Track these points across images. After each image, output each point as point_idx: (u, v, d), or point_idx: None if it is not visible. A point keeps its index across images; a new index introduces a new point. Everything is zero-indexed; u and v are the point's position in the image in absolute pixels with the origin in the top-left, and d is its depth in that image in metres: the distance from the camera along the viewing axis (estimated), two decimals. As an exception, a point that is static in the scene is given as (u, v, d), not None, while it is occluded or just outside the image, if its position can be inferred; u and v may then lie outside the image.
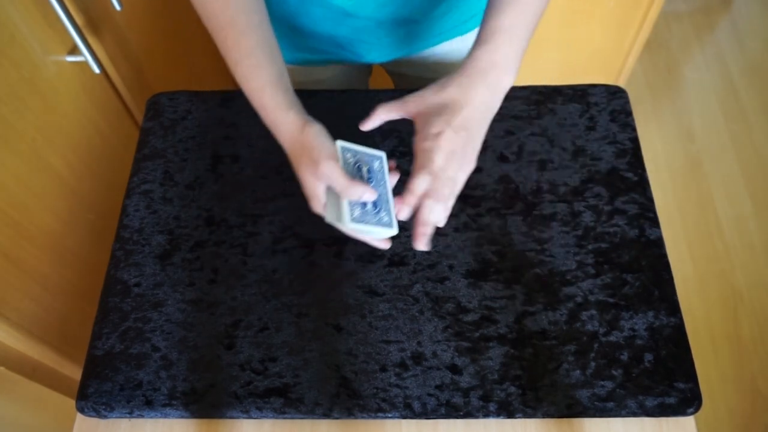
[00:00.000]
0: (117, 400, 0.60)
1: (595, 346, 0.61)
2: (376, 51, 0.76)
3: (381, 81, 1.13)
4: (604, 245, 0.67)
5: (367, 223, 0.56)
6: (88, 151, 0.90)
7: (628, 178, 0.71)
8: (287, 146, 0.59)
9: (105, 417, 0.62)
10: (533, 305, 0.63)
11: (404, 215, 0.56)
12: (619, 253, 0.66)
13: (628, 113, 0.75)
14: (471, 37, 0.79)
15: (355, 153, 0.59)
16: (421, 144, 0.56)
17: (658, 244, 0.67)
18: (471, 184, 0.70)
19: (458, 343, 0.62)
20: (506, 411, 0.59)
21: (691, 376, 0.60)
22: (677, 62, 1.89)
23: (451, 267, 0.66)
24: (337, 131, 0.74)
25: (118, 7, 0.86)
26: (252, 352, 0.62)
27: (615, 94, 0.77)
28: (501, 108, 0.75)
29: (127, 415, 0.61)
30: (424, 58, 0.82)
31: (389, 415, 0.59)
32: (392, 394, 0.60)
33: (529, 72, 1.24)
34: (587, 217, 0.68)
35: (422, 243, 0.55)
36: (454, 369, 0.60)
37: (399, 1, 0.68)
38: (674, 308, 0.63)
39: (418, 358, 0.61)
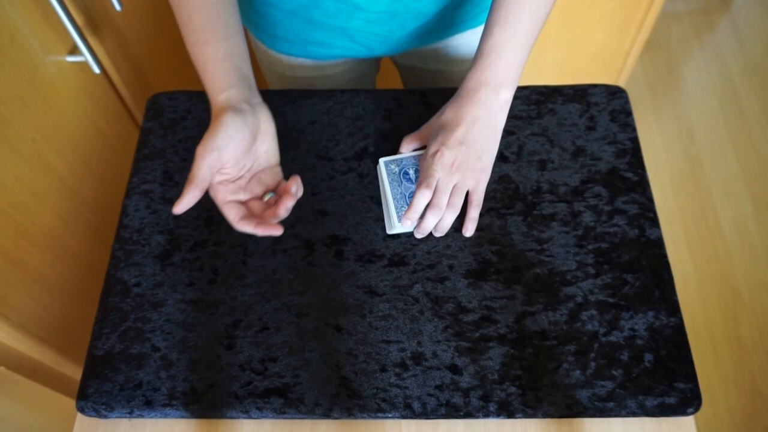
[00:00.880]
0: (117, 400, 0.60)
1: (595, 346, 0.61)
2: (389, 44, 0.76)
3: (389, 78, 1.14)
4: (604, 245, 0.67)
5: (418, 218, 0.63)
6: (88, 151, 0.90)
7: (628, 178, 0.71)
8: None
9: (105, 417, 0.62)
10: (533, 305, 0.63)
11: (407, 227, 0.63)
12: (619, 253, 0.66)
13: (628, 113, 0.75)
14: (482, 30, 0.80)
15: (399, 161, 0.67)
16: (422, 164, 0.63)
17: (658, 244, 0.67)
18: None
19: (458, 343, 0.62)
20: (506, 411, 0.59)
21: (691, 376, 0.60)
22: (677, 62, 1.89)
23: (451, 267, 0.66)
24: (336, 131, 0.75)
25: (118, 8, 0.86)
26: (252, 352, 0.62)
27: (615, 94, 0.77)
28: (501, 108, 0.76)
29: (127, 415, 0.61)
30: (435, 50, 0.82)
31: (389, 415, 0.59)
32: (392, 394, 0.60)
33: (529, 72, 1.25)
34: (587, 217, 0.68)
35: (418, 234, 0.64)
36: (454, 369, 0.60)
37: None
38: (674, 308, 0.63)
39: (418, 358, 0.61)
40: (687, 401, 0.59)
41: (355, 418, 0.60)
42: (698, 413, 0.60)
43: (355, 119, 0.75)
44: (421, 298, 0.64)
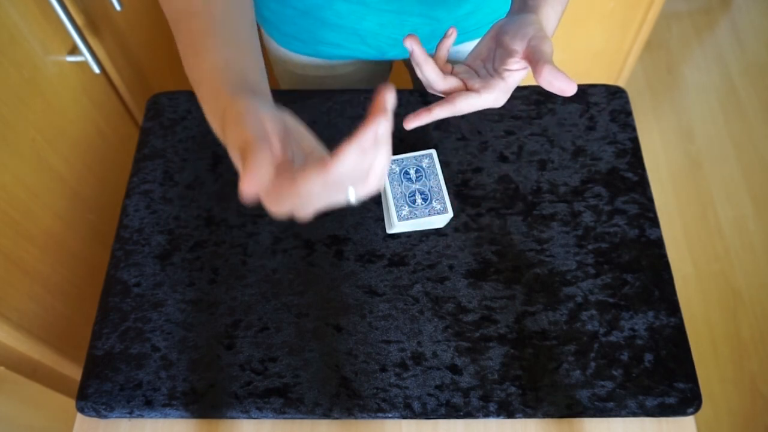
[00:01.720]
0: (117, 400, 0.60)
1: (595, 346, 0.61)
2: (400, 47, 0.76)
3: (401, 79, 1.13)
4: (604, 245, 0.67)
5: (418, 217, 0.64)
6: (88, 151, 0.90)
7: (628, 178, 0.71)
8: (222, 132, 0.42)
9: (105, 417, 0.62)
10: (533, 305, 0.63)
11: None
12: (619, 253, 0.66)
13: (628, 113, 0.75)
14: None
15: (400, 161, 0.67)
16: (529, 46, 0.51)
17: (658, 244, 0.67)
18: (471, 184, 0.70)
19: (458, 343, 0.62)
20: (506, 411, 0.59)
21: (691, 376, 0.60)
22: (677, 62, 1.89)
23: (451, 267, 0.66)
24: (336, 131, 0.75)
25: (118, 7, 0.86)
26: (252, 352, 0.62)
27: (615, 94, 0.77)
28: (501, 108, 0.76)
29: (127, 415, 0.61)
30: (449, 53, 0.82)
31: (389, 415, 0.59)
32: (392, 394, 0.60)
33: (529, 72, 1.24)
34: (587, 217, 0.68)
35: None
36: (454, 369, 0.60)
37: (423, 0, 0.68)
38: (674, 308, 0.63)
39: (418, 358, 0.61)
40: (687, 401, 0.59)
41: (355, 418, 0.60)
42: (698, 413, 0.60)
43: (355, 119, 0.75)
44: (421, 298, 0.64)
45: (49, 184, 0.81)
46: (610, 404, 0.59)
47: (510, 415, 0.59)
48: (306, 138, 0.42)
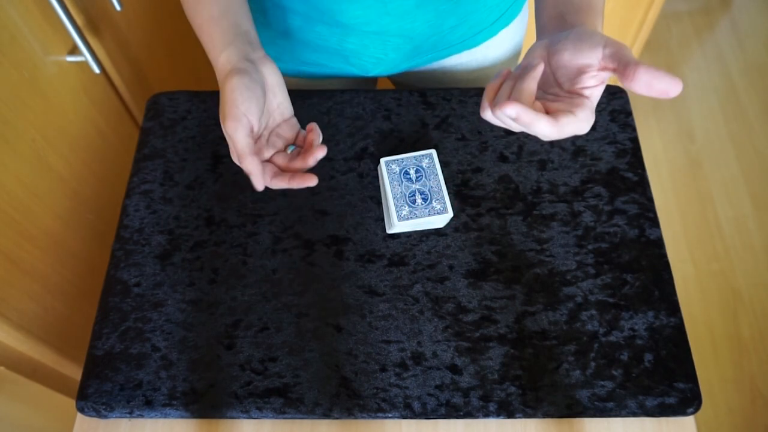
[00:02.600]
0: (117, 400, 0.60)
1: (595, 346, 0.61)
2: (383, 65, 0.75)
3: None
4: (604, 245, 0.67)
5: (418, 217, 0.64)
6: (88, 151, 0.90)
7: (628, 178, 0.71)
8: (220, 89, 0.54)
9: (105, 417, 0.62)
10: (533, 305, 0.63)
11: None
12: (619, 253, 0.66)
13: (628, 113, 0.75)
14: (480, 50, 0.79)
15: (400, 161, 0.67)
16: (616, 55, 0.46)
17: (658, 244, 0.67)
18: (471, 184, 0.70)
19: (458, 343, 0.62)
20: (506, 411, 0.59)
21: (691, 376, 0.60)
22: (677, 62, 1.89)
23: (451, 267, 0.66)
24: (336, 131, 0.75)
25: (118, 7, 0.86)
26: (252, 352, 0.62)
27: (615, 94, 0.77)
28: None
29: (127, 415, 0.61)
30: (432, 70, 0.82)
31: (389, 415, 0.59)
32: (392, 394, 0.60)
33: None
34: (587, 217, 0.68)
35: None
36: (454, 369, 0.60)
37: (407, 16, 0.67)
38: (674, 308, 0.63)
39: (418, 358, 0.61)
40: (687, 401, 0.59)
41: (355, 418, 0.60)
42: (698, 413, 0.60)
43: (355, 119, 0.75)
44: (421, 298, 0.64)
45: (49, 184, 0.81)
46: (610, 404, 0.59)
47: (510, 415, 0.59)
48: (282, 113, 0.59)
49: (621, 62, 0.45)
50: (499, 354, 0.61)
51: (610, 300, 0.64)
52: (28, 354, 0.80)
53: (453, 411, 0.59)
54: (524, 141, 0.73)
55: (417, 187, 0.65)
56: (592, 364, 0.60)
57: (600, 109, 0.75)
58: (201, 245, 0.68)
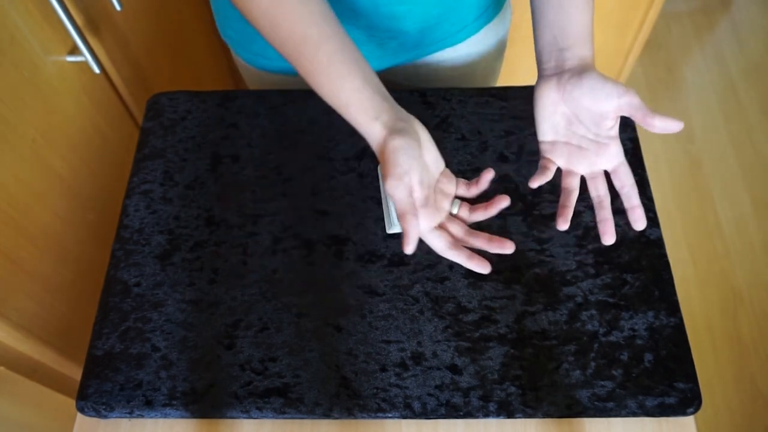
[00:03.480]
0: (117, 400, 0.60)
1: (595, 346, 0.61)
2: (372, 61, 0.75)
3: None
4: (604, 245, 0.67)
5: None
6: (88, 151, 0.90)
7: (628, 178, 0.71)
8: (377, 155, 0.56)
9: (105, 417, 0.62)
10: (533, 305, 0.63)
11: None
12: (619, 253, 0.66)
13: (628, 113, 0.75)
14: (461, 47, 0.79)
15: None
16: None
17: (658, 244, 0.67)
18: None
19: (458, 343, 0.62)
20: (506, 411, 0.59)
21: (691, 376, 0.60)
22: (677, 62, 1.89)
23: (451, 267, 0.66)
24: (336, 131, 0.75)
25: (118, 7, 0.86)
26: (252, 352, 0.62)
27: (615, 94, 0.77)
28: (501, 108, 0.76)
29: (127, 415, 0.61)
30: (416, 67, 0.82)
31: (389, 415, 0.59)
32: (392, 394, 0.60)
33: (529, 72, 1.24)
34: (587, 217, 0.68)
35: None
36: (454, 369, 0.60)
37: (389, 13, 0.68)
38: (674, 308, 0.63)
39: (418, 358, 0.61)
40: (687, 401, 0.59)
41: (355, 418, 0.60)
42: (698, 413, 0.60)
43: (355, 119, 0.75)
44: (421, 298, 0.64)
45: (49, 184, 0.81)
46: (610, 404, 0.59)
47: (510, 415, 0.59)
48: (439, 165, 0.58)
49: (638, 113, 0.57)
50: (499, 354, 0.61)
51: (610, 300, 0.64)
52: (28, 354, 0.80)
53: (453, 411, 0.59)
54: (524, 141, 0.73)
55: None
56: (592, 364, 0.60)
57: (600, 109, 0.75)
58: (201, 245, 0.68)
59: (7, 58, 0.71)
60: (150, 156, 0.74)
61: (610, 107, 0.58)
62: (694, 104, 1.80)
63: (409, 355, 0.61)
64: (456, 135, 0.74)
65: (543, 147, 0.63)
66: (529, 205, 0.69)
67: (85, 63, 0.82)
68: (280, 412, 0.59)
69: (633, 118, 0.58)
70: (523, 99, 0.76)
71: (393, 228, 0.66)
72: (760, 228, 1.61)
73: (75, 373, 0.90)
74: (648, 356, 0.61)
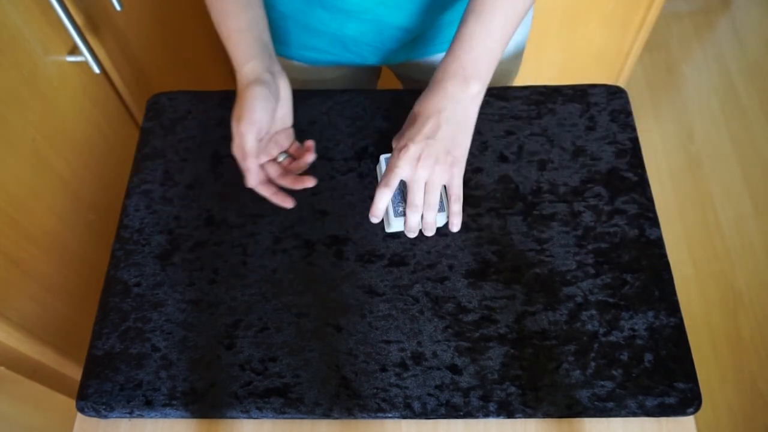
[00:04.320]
0: (117, 400, 0.60)
1: (595, 346, 0.61)
2: (380, 54, 0.76)
3: (390, 83, 1.13)
4: (604, 245, 0.67)
5: None
6: (88, 151, 0.90)
7: (628, 178, 0.71)
8: (237, 95, 0.62)
9: (105, 417, 0.62)
10: (533, 305, 0.63)
11: (374, 220, 0.64)
12: (619, 253, 0.66)
13: (628, 113, 0.75)
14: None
15: None
16: (390, 160, 0.62)
17: (658, 244, 0.67)
18: (471, 184, 0.70)
19: (458, 343, 0.62)
20: (506, 411, 0.59)
21: (691, 376, 0.60)
22: (677, 62, 1.89)
23: (451, 267, 0.66)
24: (336, 131, 0.75)
25: (118, 7, 0.86)
26: (252, 352, 0.62)
27: (615, 94, 0.77)
28: (501, 108, 0.76)
29: (127, 415, 0.61)
30: (432, 62, 0.82)
31: (389, 415, 0.59)
32: (392, 394, 0.60)
33: (529, 72, 1.24)
34: (587, 217, 0.68)
35: (428, 232, 0.65)
36: (454, 369, 0.60)
37: (402, 8, 0.68)
38: (674, 308, 0.63)
39: (418, 358, 0.61)
40: (687, 401, 0.59)
41: (355, 418, 0.60)
42: (698, 413, 0.60)
43: (355, 119, 0.75)
44: (421, 298, 0.64)
45: (49, 184, 0.81)
46: (610, 404, 0.59)
47: (510, 415, 0.59)
48: (282, 124, 0.67)
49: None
50: (499, 354, 0.61)
51: (610, 300, 0.64)
52: (28, 354, 0.80)
53: (453, 411, 0.59)
54: (524, 141, 0.73)
55: None
56: (592, 364, 0.60)
57: (600, 109, 0.75)
58: (201, 245, 0.68)
59: (7, 58, 0.71)
60: (150, 156, 0.74)
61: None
62: (694, 104, 1.80)
63: (409, 355, 0.61)
64: (456, 135, 0.74)
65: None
66: (529, 205, 0.69)
67: (85, 63, 0.82)
68: (280, 412, 0.59)
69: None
70: (523, 99, 0.76)
71: (391, 226, 0.66)
72: (760, 228, 1.61)
73: (75, 373, 0.90)
74: (648, 356, 0.61)
